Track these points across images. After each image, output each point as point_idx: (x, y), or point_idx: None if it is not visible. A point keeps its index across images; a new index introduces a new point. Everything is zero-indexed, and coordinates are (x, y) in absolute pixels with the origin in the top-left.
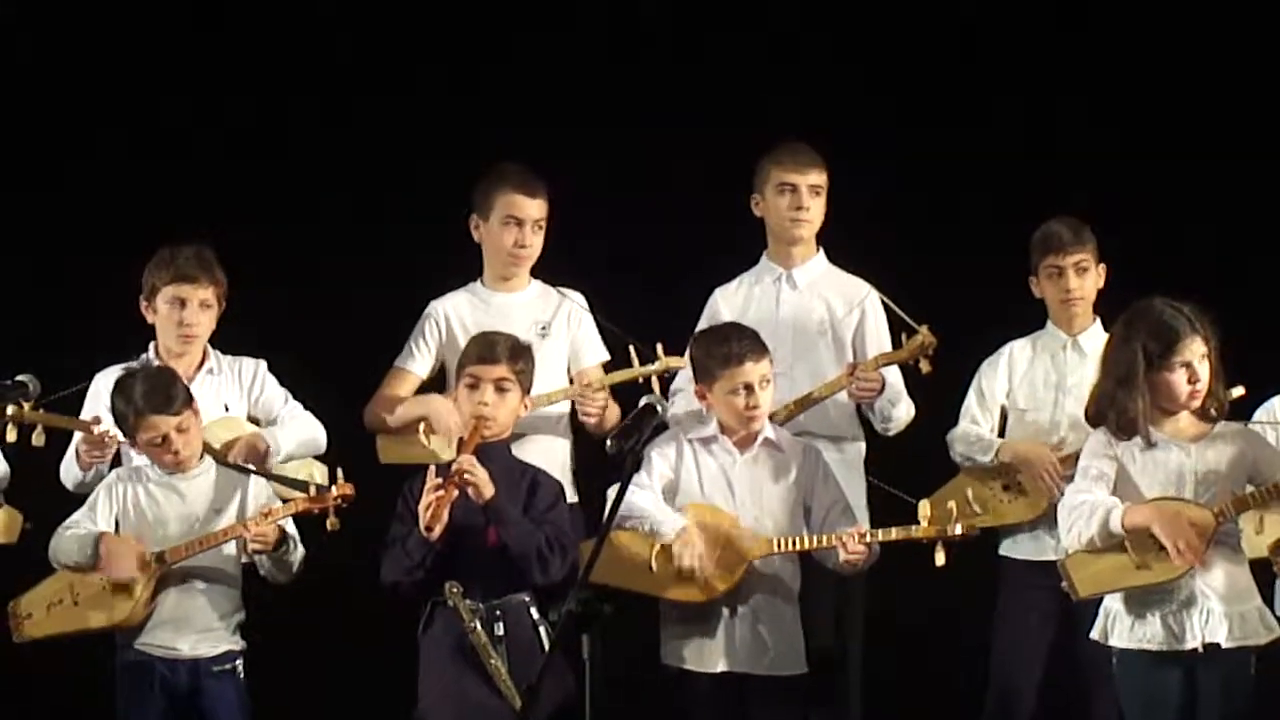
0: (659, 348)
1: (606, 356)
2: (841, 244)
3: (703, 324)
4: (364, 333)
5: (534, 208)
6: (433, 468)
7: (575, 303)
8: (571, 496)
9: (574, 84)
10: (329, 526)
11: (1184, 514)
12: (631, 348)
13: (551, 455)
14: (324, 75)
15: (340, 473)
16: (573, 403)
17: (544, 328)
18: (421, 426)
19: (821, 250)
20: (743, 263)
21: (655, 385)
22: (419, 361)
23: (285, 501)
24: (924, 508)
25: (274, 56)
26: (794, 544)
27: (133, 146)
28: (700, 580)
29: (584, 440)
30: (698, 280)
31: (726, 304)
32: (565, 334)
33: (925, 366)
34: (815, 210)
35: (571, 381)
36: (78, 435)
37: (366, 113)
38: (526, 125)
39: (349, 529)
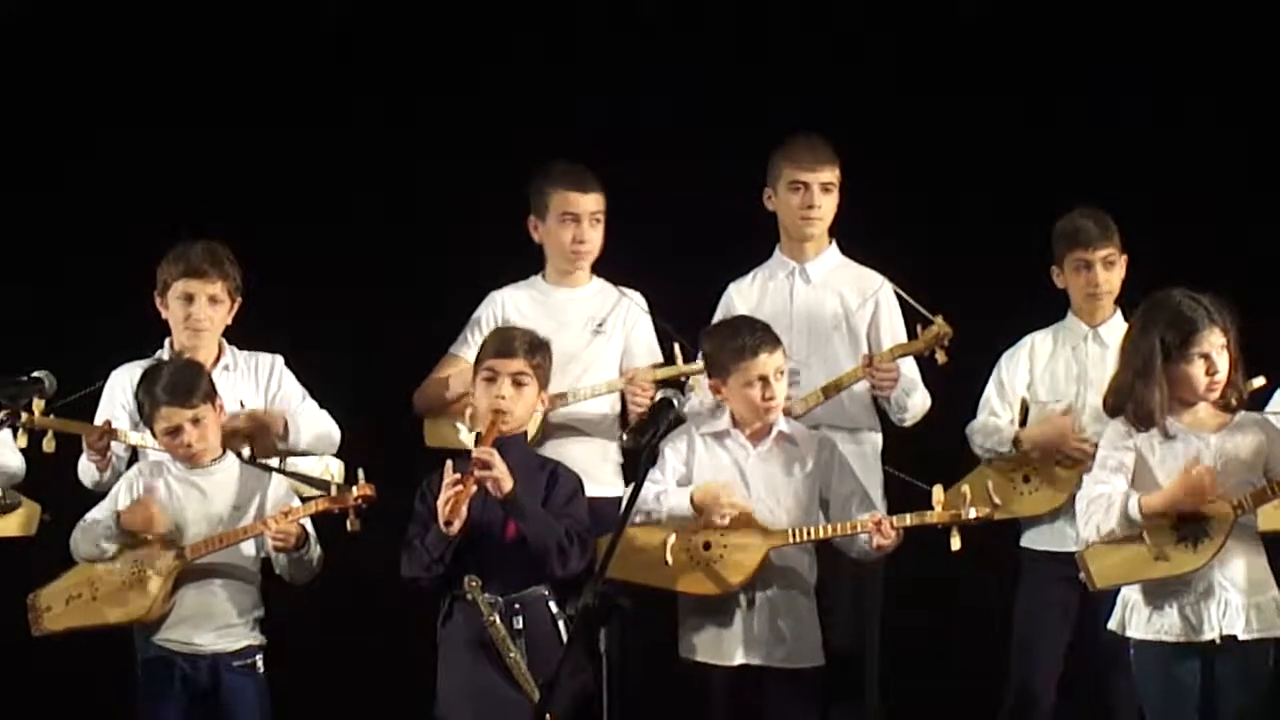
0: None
1: (660, 358)
2: (855, 235)
3: (717, 318)
4: (385, 334)
5: (589, 202)
6: (450, 463)
7: (634, 302)
8: (618, 491)
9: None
10: (349, 528)
11: (1200, 475)
12: (676, 345)
13: (601, 453)
14: (380, 72)
15: (361, 473)
16: (623, 401)
17: (599, 325)
18: (467, 414)
19: (834, 243)
20: (755, 257)
21: (696, 383)
22: (473, 349)
23: (305, 501)
24: (938, 492)
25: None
26: (810, 534)
27: (133, 142)
28: (733, 549)
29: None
30: (714, 276)
31: (741, 298)
32: (620, 333)
33: (941, 357)
34: (827, 207)
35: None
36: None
37: (398, 111)
38: (568, 125)
39: (367, 525)
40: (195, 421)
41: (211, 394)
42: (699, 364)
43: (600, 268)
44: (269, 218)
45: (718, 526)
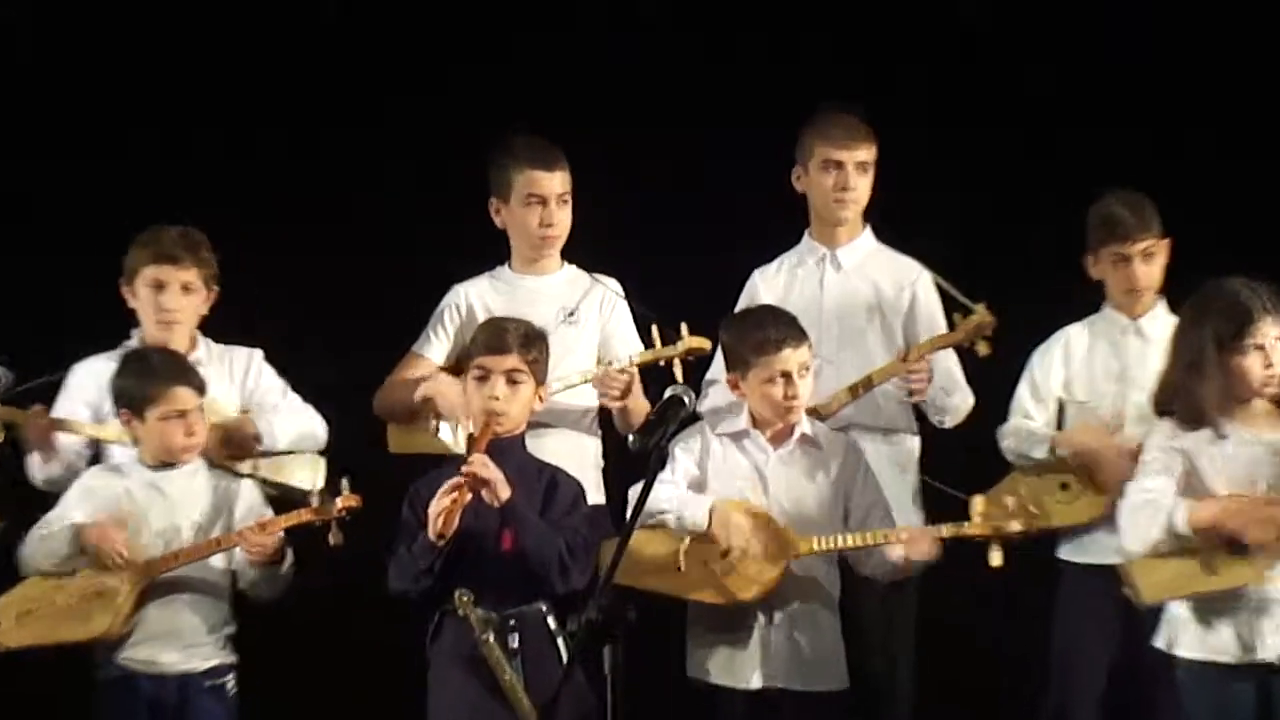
0: (683, 327)
1: (640, 348)
2: (888, 219)
3: (740, 308)
4: (372, 334)
5: (555, 182)
6: (449, 483)
7: (609, 289)
8: (600, 498)
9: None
10: (332, 542)
11: (1261, 505)
12: (654, 327)
13: (580, 453)
14: (342, 73)
15: (346, 482)
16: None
17: (571, 314)
18: (432, 419)
19: (869, 228)
20: (781, 243)
21: (678, 370)
22: (436, 347)
23: (281, 510)
24: (977, 503)
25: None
26: (835, 543)
27: (100, 135)
28: (750, 563)
29: (614, 438)
30: (734, 261)
31: (766, 287)
32: (595, 321)
33: (983, 349)
34: (862, 189)
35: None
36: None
37: (374, 110)
38: (548, 100)
39: (350, 535)
40: (200, 410)
41: (204, 385)
42: (679, 347)
43: (580, 254)
44: (243, 214)
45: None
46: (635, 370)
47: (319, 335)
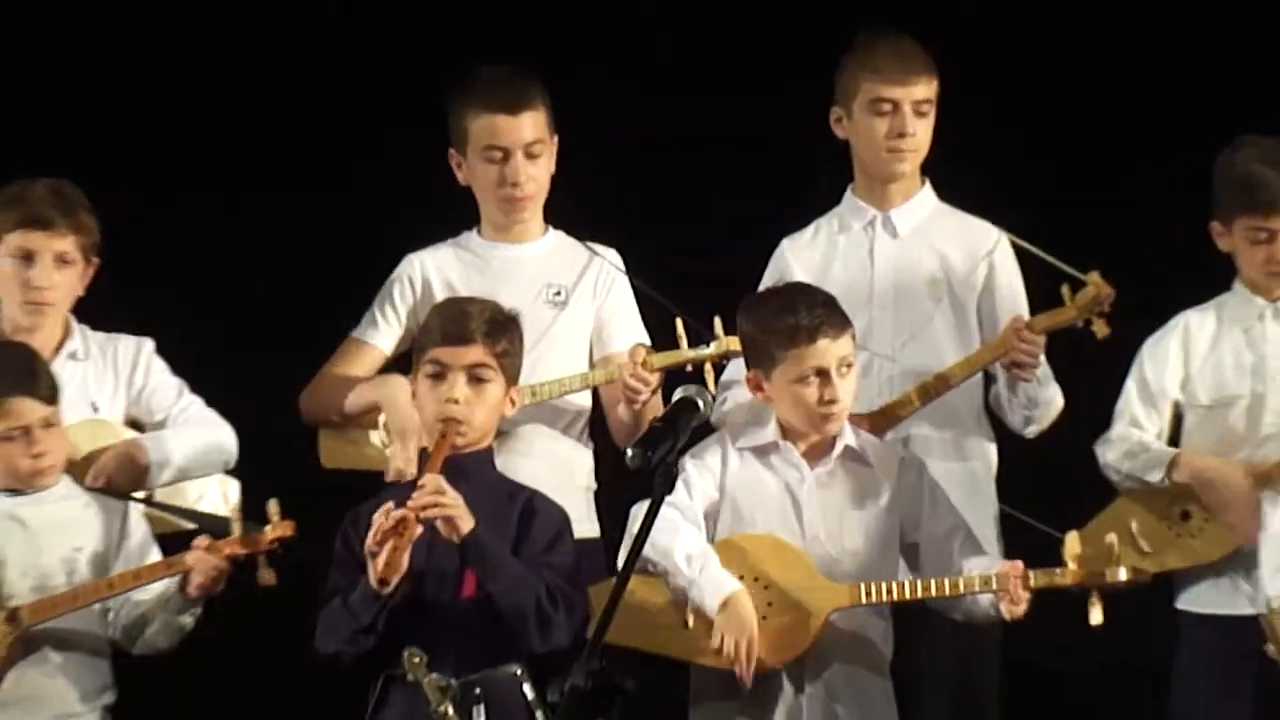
0: (717, 324)
1: (645, 340)
2: (949, 174)
3: (765, 286)
4: (298, 316)
5: (521, 128)
6: (389, 505)
7: (607, 261)
8: (590, 529)
9: None
10: (261, 580)
11: None
12: (679, 323)
13: (564, 472)
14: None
15: (274, 506)
16: (594, 396)
17: (557, 293)
18: (381, 422)
19: (928, 184)
20: (818, 204)
21: (710, 379)
22: (383, 332)
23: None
24: (1072, 543)
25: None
26: (895, 593)
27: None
28: (778, 616)
29: (610, 452)
30: (757, 232)
31: (799, 260)
32: (589, 304)
33: (1101, 329)
34: (922, 134)
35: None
36: None
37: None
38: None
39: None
40: (49, 424)
41: (56, 389)
42: (712, 348)
43: (569, 219)
44: (128, 165)
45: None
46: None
47: (227, 320)
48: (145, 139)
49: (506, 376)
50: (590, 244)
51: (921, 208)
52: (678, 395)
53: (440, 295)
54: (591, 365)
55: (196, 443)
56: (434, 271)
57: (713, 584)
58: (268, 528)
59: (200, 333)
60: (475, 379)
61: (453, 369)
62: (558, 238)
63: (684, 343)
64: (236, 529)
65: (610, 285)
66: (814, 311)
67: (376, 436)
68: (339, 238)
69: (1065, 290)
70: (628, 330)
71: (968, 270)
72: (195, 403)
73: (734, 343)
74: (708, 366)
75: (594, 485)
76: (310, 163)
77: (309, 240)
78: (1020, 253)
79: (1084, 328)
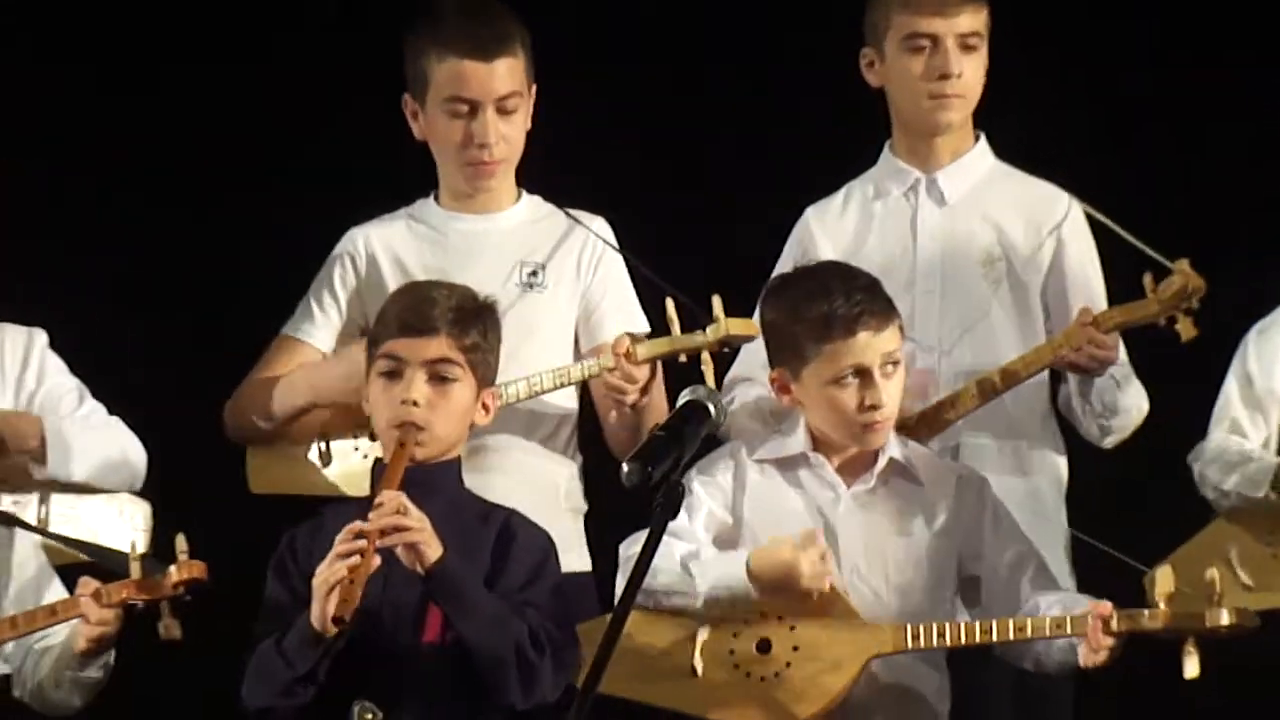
0: (716, 303)
1: (644, 326)
2: (1009, 128)
3: (785, 265)
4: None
5: (494, 77)
6: (357, 526)
7: (594, 234)
8: (579, 561)
9: None
10: (163, 634)
11: None
12: (670, 303)
13: (547, 491)
14: None
15: (183, 542)
16: (581, 396)
17: (533, 272)
18: (316, 441)
19: (983, 138)
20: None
21: (708, 370)
22: (320, 326)
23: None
24: (1163, 579)
25: None
26: (946, 635)
27: None
28: (806, 662)
29: (603, 464)
30: (770, 198)
31: (826, 233)
32: (573, 285)
33: (1187, 329)
34: (970, 74)
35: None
36: None
37: None
38: None
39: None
40: None
41: None
42: (710, 334)
43: (547, 182)
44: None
45: (793, 613)
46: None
47: (135, 313)
48: (46, 115)
49: (477, 376)
50: (573, 212)
51: (974, 168)
52: (684, 398)
53: (390, 278)
54: (577, 356)
55: (101, 451)
56: (381, 248)
57: (724, 561)
58: (172, 568)
59: (103, 330)
60: (438, 377)
61: (411, 365)
62: (533, 205)
63: (676, 327)
64: (135, 569)
65: (598, 262)
66: (853, 297)
67: (315, 452)
68: (266, 217)
69: (1147, 279)
70: (621, 316)
71: (1031, 246)
72: (98, 410)
73: (737, 326)
74: (705, 356)
75: (584, 507)
76: (231, 132)
77: (229, 221)
78: (1095, 227)
79: (1167, 326)
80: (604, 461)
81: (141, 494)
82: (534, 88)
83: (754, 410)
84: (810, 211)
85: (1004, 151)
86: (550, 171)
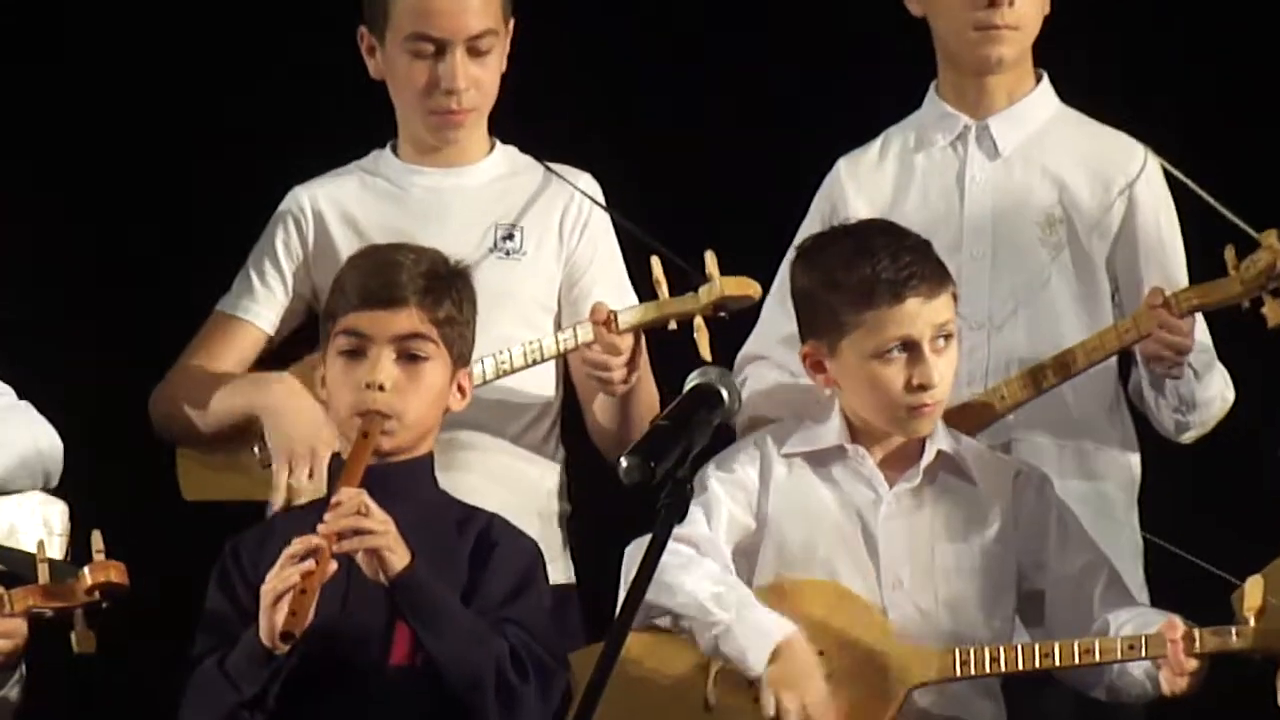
0: (709, 260)
1: (634, 300)
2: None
3: (812, 224)
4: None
5: (466, 11)
6: (300, 541)
7: (579, 190)
8: (561, 573)
9: None
10: (76, 647)
11: None
12: (654, 261)
13: (526, 492)
14: None
15: (98, 539)
16: (566, 378)
17: (508, 235)
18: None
19: (1045, 80)
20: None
21: (702, 341)
22: (262, 302)
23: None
24: (1252, 591)
25: None
26: (1001, 660)
27: None
28: (839, 692)
29: (588, 459)
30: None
31: (860, 186)
32: (555, 250)
33: (1275, 312)
34: (1025, 3)
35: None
36: None
37: None
38: None
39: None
40: None
41: None
42: (702, 296)
43: (524, 132)
44: None
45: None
46: (629, 334)
47: (48, 285)
48: None
49: (452, 354)
50: (555, 166)
51: (1033, 114)
52: (692, 381)
53: (342, 242)
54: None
55: (9, 445)
56: (330, 208)
57: (755, 628)
58: (85, 570)
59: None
60: (407, 355)
61: (376, 342)
62: (508, 157)
63: (663, 289)
64: (42, 572)
65: (584, 223)
66: (900, 259)
67: (260, 459)
68: (196, 179)
69: (1229, 253)
70: (610, 287)
71: (1099, 206)
72: (5, 394)
73: (733, 286)
74: (698, 322)
75: (566, 509)
76: (151, 82)
77: (157, 186)
78: (1175, 188)
79: (1251, 308)
80: (589, 457)
81: (57, 492)
82: (511, 23)
83: (769, 397)
84: (842, 163)
85: (1072, 95)
86: (528, 119)
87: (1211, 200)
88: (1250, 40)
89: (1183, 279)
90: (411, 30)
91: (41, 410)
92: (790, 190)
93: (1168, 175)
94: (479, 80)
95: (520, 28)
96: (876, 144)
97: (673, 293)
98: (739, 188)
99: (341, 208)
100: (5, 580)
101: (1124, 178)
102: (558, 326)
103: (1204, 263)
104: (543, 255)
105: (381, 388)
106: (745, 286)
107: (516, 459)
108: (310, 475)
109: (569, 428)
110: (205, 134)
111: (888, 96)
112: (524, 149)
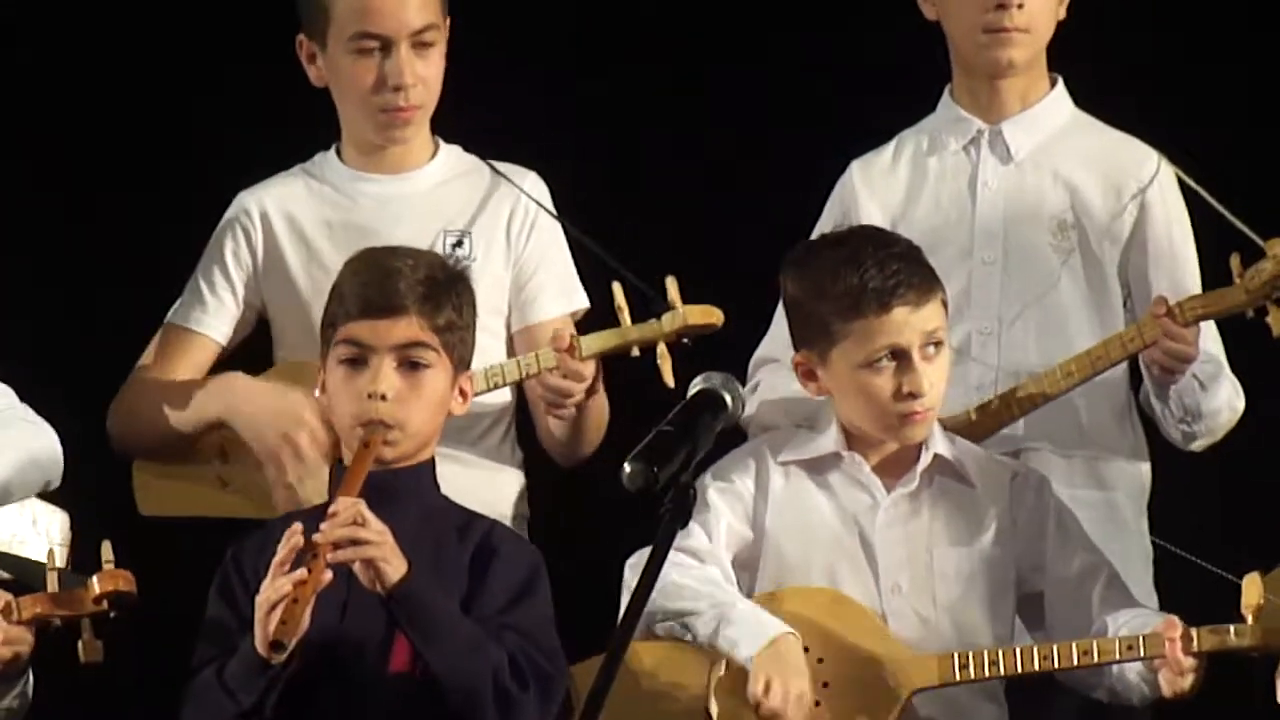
0: (670, 286)
1: (584, 303)
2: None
3: (825, 228)
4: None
5: (407, 8)
6: (293, 534)
7: (524, 193)
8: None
9: None
10: (83, 656)
11: None
12: (616, 288)
13: (485, 497)
14: None
15: (108, 550)
16: (519, 391)
17: (458, 242)
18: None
19: (1060, 84)
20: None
21: (665, 368)
22: (213, 312)
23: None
24: (1250, 589)
25: None
26: (1001, 663)
27: None
28: (837, 700)
29: (546, 473)
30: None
31: (872, 190)
32: (502, 252)
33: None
34: (1036, 5)
35: (510, 346)
36: None
37: None
38: None
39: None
40: None
41: None
42: (665, 323)
43: (468, 133)
44: None
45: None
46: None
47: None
48: None
49: (453, 359)
50: (500, 165)
51: (1047, 119)
52: (696, 386)
53: (291, 253)
54: (509, 340)
55: (10, 451)
56: (278, 213)
57: (754, 621)
58: (94, 579)
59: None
60: (409, 364)
61: (377, 351)
62: (453, 159)
63: (625, 315)
64: (51, 581)
65: (531, 225)
66: (887, 267)
67: (213, 473)
68: (142, 184)
69: (1234, 261)
70: (558, 290)
71: (1111, 212)
72: (5, 394)
73: (697, 315)
74: (661, 349)
75: (526, 513)
76: (94, 96)
77: (157, 187)
78: (1186, 194)
79: (1256, 318)
80: (546, 473)
81: (57, 500)
82: (448, 20)
83: (783, 404)
84: (855, 166)
85: (1087, 100)
86: (471, 119)
87: (1219, 206)
88: (1260, 47)
89: (1194, 286)
90: (355, 30)
91: (41, 412)
92: (760, 210)
93: (1180, 182)
94: (425, 77)
95: (457, 23)
96: (890, 147)
97: (630, 301)
98: (702, 203)
99: (289, 217)
100: (13, 588)
101: (1136, 183)
102: (508, 329)
103: (1218, 270)
104: (492, 259)
105: (384, 397)
106: (709, 315)
107: (475, 466)
108: (300, 459)
109: (524, 433)
110: (205, 133)
111: (893, 101)
112: (468, 148)
